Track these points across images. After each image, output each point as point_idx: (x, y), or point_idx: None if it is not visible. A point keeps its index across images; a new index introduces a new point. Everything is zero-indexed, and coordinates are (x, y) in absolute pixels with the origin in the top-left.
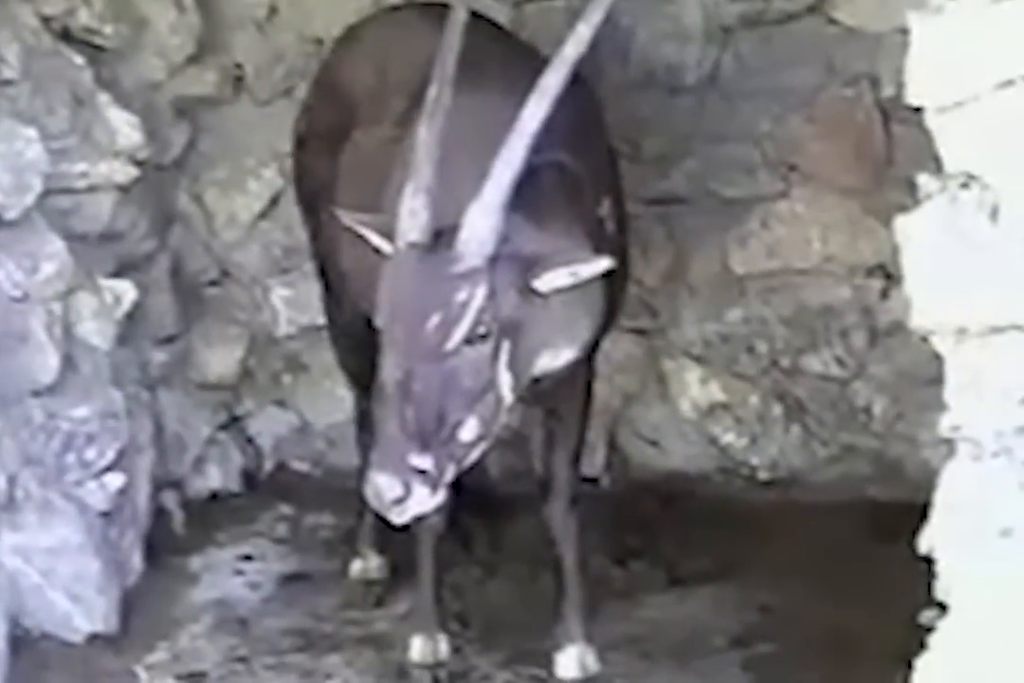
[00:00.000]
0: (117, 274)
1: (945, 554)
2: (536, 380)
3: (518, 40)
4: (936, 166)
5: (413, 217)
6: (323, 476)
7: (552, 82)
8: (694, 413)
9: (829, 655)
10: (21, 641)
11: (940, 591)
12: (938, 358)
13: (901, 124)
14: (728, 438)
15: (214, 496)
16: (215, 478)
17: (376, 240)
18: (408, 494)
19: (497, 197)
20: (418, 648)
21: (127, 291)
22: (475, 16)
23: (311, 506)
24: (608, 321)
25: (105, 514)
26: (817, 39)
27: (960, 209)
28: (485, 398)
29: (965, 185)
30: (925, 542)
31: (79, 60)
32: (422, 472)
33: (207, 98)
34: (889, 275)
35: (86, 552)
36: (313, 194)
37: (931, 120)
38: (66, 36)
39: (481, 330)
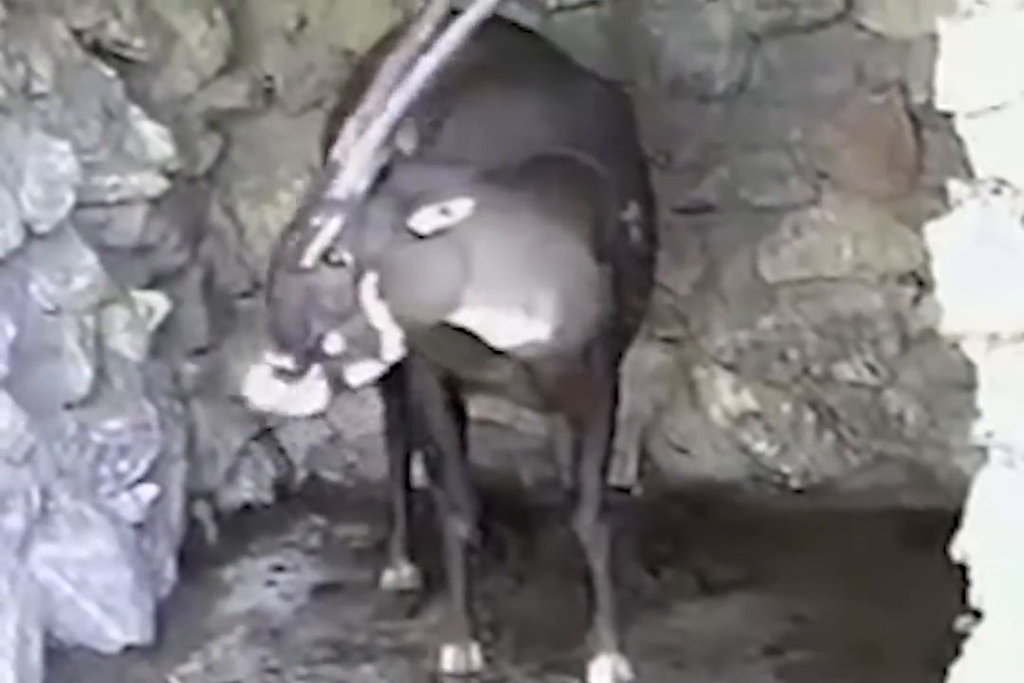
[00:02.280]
0: (149, 286)
1: (979, 561)
2: (528, 369)
3: (550, 46)
4: (967, 172)
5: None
6: (355, 486)
7: (446, 41)
8: (726, 421)
9: (863, 663)
10: (55, 653)
11: (974, 598)
12: (970, 364)
13: (932, 130)
14: (760, 446)
15: (246, 507)
16: (247, 489)
17: None
18: (263, 386)
19: (374, 139)
20: (450, 658)
21: (159, 303)
22: (512, 25)
23: (343, 516)
24: (617, 324)
25: (138, 525)
26: (846, 46)
27: (991, 215)
28: (351, 320)
29: (996, 191)
30: (959, 549)
31: (110, 73)
32: (281, 370)
33: (238, 110)
34: (921, 282)
35: (119, 563)
36: None
37: (962, 126)
38: (97, 49)
39: (334, 258)
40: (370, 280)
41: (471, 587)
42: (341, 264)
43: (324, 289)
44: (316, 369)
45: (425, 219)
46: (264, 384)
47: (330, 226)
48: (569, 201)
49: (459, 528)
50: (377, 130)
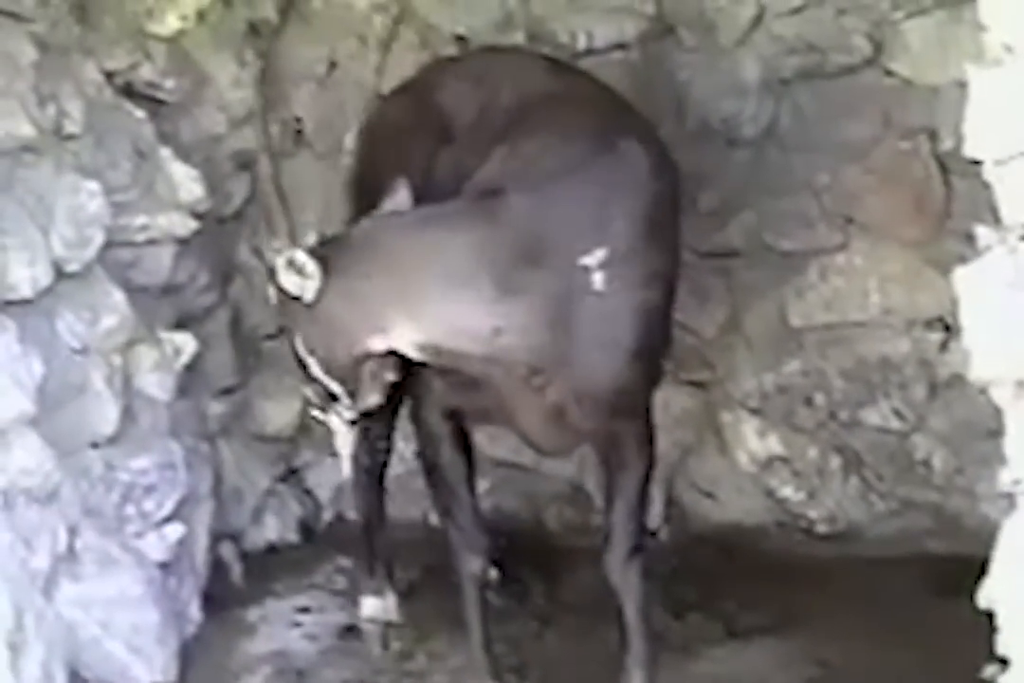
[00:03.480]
0: (177, 326)
1: (1005, 608)
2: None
3: (606, 90)
4: (995, 218)
5: None
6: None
7: None
8: (752, 466)
9: None
10: None
11: (1001, 645)
12: (998, 410)
13: (959, 176)
14: (786, 491)
15: (272, 547)
16: (273, 529)
17: None
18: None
19: None
20: None
21: (187, 343)
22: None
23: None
24: (561, 357)
25: (164, 565)
26: (874, 92)
27: (1019, 260)
28: None
29: None
30: (985, 596)
31: (141, 114)
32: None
33: None
34: (948, 327)
35: (145, 603)
36: None
37: (990, 172)
38: (128, 91)
39: None
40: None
41: (488, 625)
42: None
43: None
44: None
45: (284, 276)
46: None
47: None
48: (467, 230)
49: (473, 565)
50: None
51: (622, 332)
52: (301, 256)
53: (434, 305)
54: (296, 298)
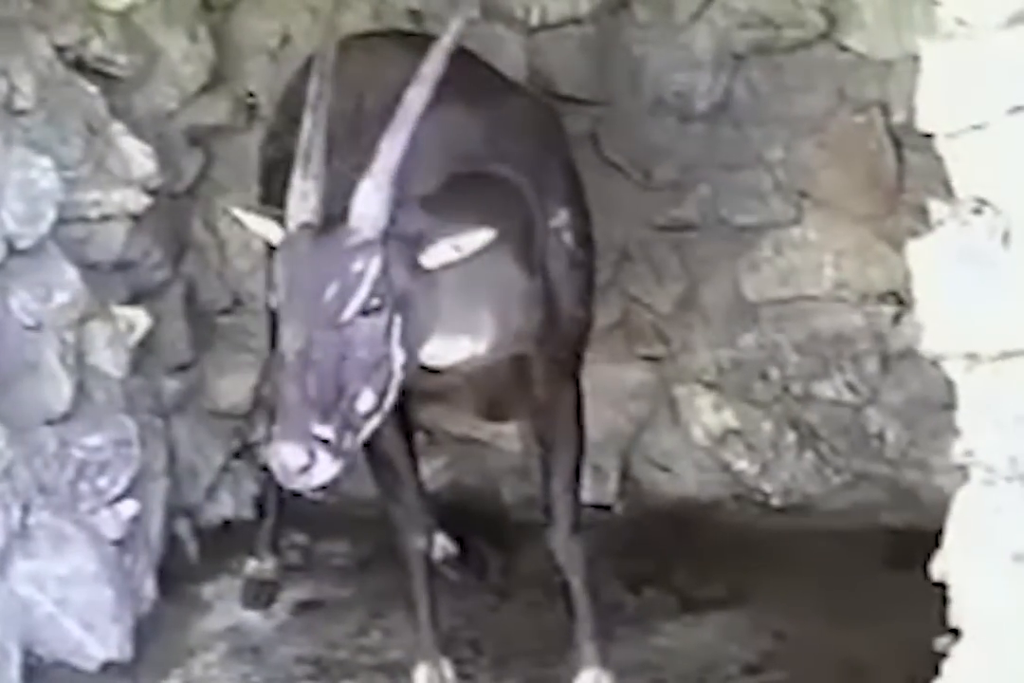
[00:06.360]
0: (131, 302)
1: (959, 580)
2: (467, 379)
3: (473, 59)
4: (947, 192)
5: (304, 200)
6: (336, 504)
7: (429, 71)
8: (707, 440)
9: (843, 682)
10: (34, 669)
11: (954, 617)
12: (951, 384)
13: (912, 150)
14: (741, 464)
15: (227, 524)
16: (228, 506)
17: (262, 228)
18: (313, 462)
19: (386, 174)
20: (423, 676)
21: (140, 319)
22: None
23: (324, 534)
24: (553, 332)
25: (118, 542)
26: (828, 66)
27: (972, 234)
28: (380, 371)
29: (977, 210)
30: (938, 568)
31: (93, 89)
32: (325, 441)
33: (220, 127)
34: (901, 301)
35: (99, 580)
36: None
37: (942, 146)
38: (80, 66)
39: (375, 302)
40: (398, 323)
41: (435, 602)
42: (378, 310)
43: (359, 341)
44: (350, 439)
45: (437, 254)
46: (306, 458)
47: (372, 269)
48: (497, 219)
49: (418, 542)
50: (388, 168)
51: (582, 290)
52: (482, 237)
53: (500, 313)
54: None
